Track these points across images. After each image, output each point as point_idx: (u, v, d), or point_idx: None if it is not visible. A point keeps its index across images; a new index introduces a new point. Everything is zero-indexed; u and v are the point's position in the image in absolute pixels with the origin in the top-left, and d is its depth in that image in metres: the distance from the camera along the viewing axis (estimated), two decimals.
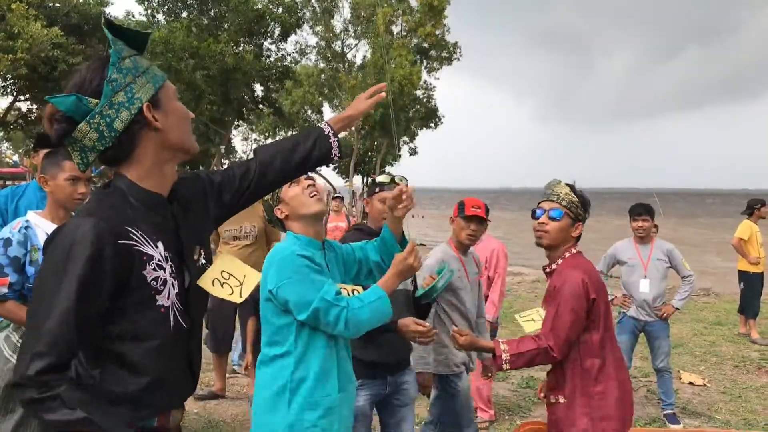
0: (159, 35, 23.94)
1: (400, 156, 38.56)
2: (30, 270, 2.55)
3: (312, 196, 2.29)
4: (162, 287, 1.41)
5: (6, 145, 60.03)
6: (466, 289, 3.56)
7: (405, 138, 35.54)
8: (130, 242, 1.35)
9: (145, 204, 1.44)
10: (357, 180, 38.70)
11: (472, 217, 3.51)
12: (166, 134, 1.44)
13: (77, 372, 1.37)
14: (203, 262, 1.61)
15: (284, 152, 1.73)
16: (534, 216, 2.66)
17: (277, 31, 26.25)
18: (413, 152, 36.81)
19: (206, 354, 5.94)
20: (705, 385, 5.87)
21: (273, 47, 27.42)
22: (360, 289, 2.34)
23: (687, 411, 5.20)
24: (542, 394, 2.78)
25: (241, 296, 1.69)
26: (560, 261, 2.62)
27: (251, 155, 1.80)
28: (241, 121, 31.59)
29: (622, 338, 5.00)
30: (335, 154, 1.79)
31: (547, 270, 2.68)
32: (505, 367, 2.44)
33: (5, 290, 2.50)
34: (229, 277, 1.66)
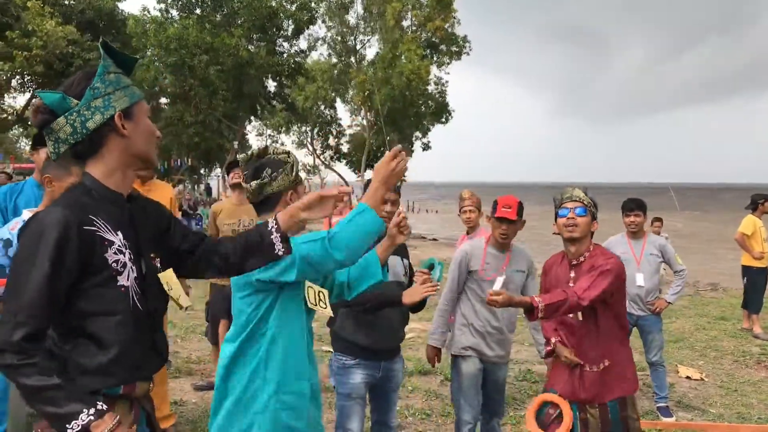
0: (173, 31, 24.15)
1: (413, 151, 38.58)
2: None
3: None
4: (122, 269, 1.61)
5: (25, 141, 60.94)
6: (493, 283, 3.46)
7: (417, 133, 35.53)
8: (93, 228, 1.56)
9: (106, 199, 1.65)
10: (369, 174, 38.79)
11: (502, 218, 3.54)
12: (132, 142, 1.67)
13: (50, 348, 1.56)
14: (158, 265, 1.85)
15: (234, 254, 1.83)
16: (558, 216, 3.00)
17: (290, 29, 26.37)
18: (426, 147, 36.79)
19: (206, 345, 6.09)
20: (702, 379, 5.91)
21: (286, 44, 27.56)
22: (326, 292, 2.34)
23: (681, 404, 5.25)
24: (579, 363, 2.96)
25: (180, 307, 1.97)
26: (587, 253, 2.99)
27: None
28: (254, 117, 31.77)
29: None
30: (279, 251, 1.83)
31: (574, 263, 3.00)
32: (540, 315, 2.74)
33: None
34: (170, 288, 1.85)
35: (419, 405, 5.02)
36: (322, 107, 37.96)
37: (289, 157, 2.33)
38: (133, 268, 1.65)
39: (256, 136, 47.37)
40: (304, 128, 40.10)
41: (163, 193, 4.15)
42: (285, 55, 26.87)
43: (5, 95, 22.68)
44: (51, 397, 1.45)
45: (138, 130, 1.67)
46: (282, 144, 46.76)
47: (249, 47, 24.91)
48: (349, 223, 1.99)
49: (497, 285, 3.27)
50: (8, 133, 32.66)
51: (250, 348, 2.17)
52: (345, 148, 40.32)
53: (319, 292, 2.33)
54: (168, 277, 1.84)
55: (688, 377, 5.94)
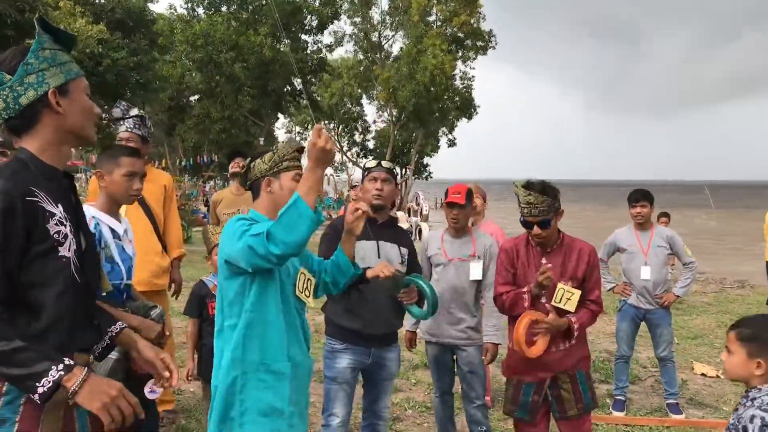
0: (200, 28, 24.49)
1: (438, 147, 38.42)
2: (106, 267, 2.63)
3: None
4: (63, 240, 1.62)
5: None
6: (446, 266, 3.67)
7: (443, 129, 35.33)
8: (35, 199, 1.56)
9: (43, 173, 1.64)
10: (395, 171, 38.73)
11: (451, 203, 3.67)
12: (67, 119, 1.66)
13: None
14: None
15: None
16: (526, 228, 3.06)
17: (314, 24, 26.47)
18: (452, 143, 36.57)
19: None
20: (718, 376, 5.71)
21: (309, 39, 27.67)
22: (313, 281, 2.44)
23: (694, 402, 5.08)
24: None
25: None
26: (558, 241, 3.11)
27: None
28: (280, 114, 32.01)
29: (622, 326, 4.94)
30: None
31: (549, 250, 3.09)
32: (576, 334, 2.99)
33: None
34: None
35: (420, 398, 4.96)
36: (348, 104, 38.04)
37: (276, 149, 2.41)
38: (74, 240, 1.66)
39: (285, 133, 47.79)
40: (331, 125, 40.26)
41: (158, 180, 4.16)
42: (308, 52, 26.98)
43: None
44: (18, 359, 1.46)
45: (73, 107, 1.67)
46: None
47: (274, 45, 25.06)
48: (283, 216, 1.98)
49: (473, 271, 3.56)
50: None
51: (231, 327, 2.24)
52: (371, 144, 40.37)
53: (307, 280, 2.41)
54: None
55: (703, 374, 5.76)
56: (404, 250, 3.25)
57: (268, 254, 2.00)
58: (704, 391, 5.35)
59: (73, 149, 1.82)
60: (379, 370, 3.17)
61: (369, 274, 2.75)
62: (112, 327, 1.90)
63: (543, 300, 3.02)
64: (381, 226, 3.21)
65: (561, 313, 2.99)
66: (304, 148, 2.38)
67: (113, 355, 2.67)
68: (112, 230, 2.74)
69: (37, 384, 1.46)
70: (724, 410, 4.92)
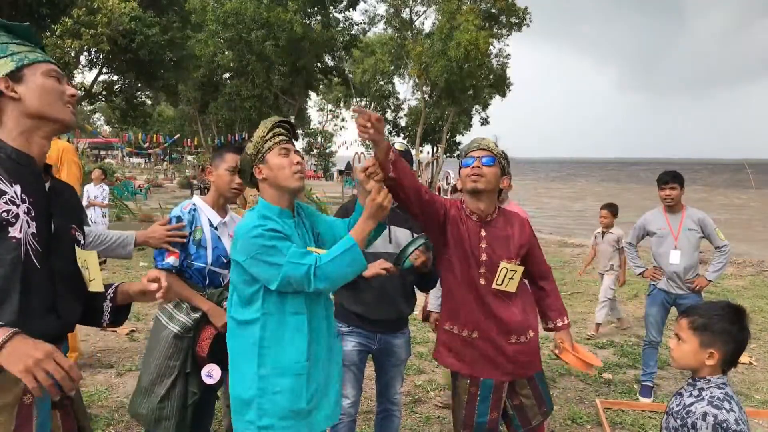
0: (230, 7, 24.49)
1: (471, 126, 37.97)
2: (192, 248, 2.82)
3: (296, 173, 2.28)
4: (14, 220, 1.57)
5: (97, 115, 63.73)
6: None
7: (477, 107, 34.85)
8: None
9: (10, 157, 1.65)
10: (427, 149, 38.45)
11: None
12: (26, 104, 1.67)
13: None
14: (80, 239, 1.83)
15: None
16: (462, 166, 2.73)
17: (345, 1, 26.24)
18: (484, 122, 36.08)
19: None
20: (751, 363, 5.57)
21: (341, 16, 27.43)
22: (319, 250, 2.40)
23: None
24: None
25: (88, 287, 1.85)
26: (495, 213, 2.74)
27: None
28: (311, 92, 31.96)
29: (651, 311, 4.82)
30: (101, 325, 1.93)
31: (487, 219, 2.71)
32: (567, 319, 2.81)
33: (176, 262, 2.79)
34: (86, 268, 1.83)
35: (443, 381, 4.94)
36: (381, 81, 37.76)
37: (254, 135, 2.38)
38: (31, 223, 1.61)
39: (318, 111, 47.83)
40: (363, 102, 40.07)
41: (55, 147, 4.33)
42: (339, 28, 26.79)
43: (74, 72, 23.61)
44: None
45: (30, 90, 1.67)
46: (342, 119, 46.99)
47: (305, 21, 24.95)
48: (337, 258, 2.08)
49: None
50: (78, 108, 34.07)
51: (247, 326, 2.21)
52: (403, 122, 40.10)
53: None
54: (86, 256, 1.82)
55: None
56: (416, 235, 3.19)
57: (309, 287, 2.09)
58: (735, 378, 5.21)
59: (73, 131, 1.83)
60: (388, 356, 3.13)
61: (367, 275, 2.73)
62: (108, 290, 1.89)
63: (482, 282, 2.63)
64: (394, 209, 3.15)
65: (544, 316, 2.82)
66: (279, 120, 2.35)
67: (174, 327, 2.79)
68: (209, 219, 2.89)
69: None
70: (755, 398, 4.80)
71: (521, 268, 2.68)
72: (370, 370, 3.50)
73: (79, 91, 2.08)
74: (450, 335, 2.75)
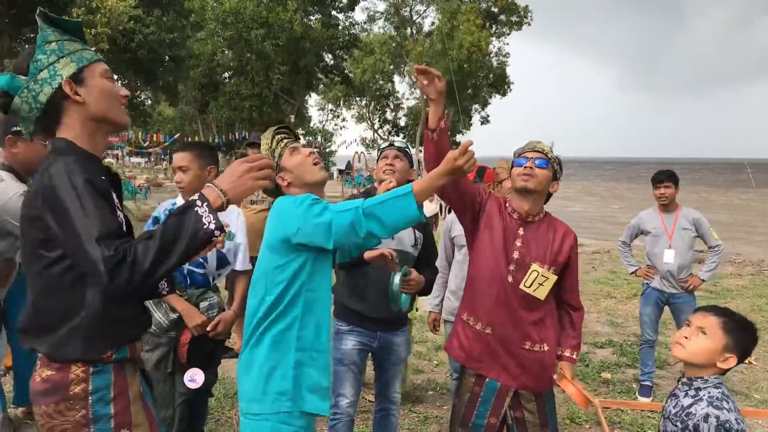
0: (230, 6, 24.49)
1: (470, 125, 37.97)
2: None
3: (316, 164, 2.28)
4: (121, 221, 1.68)
5: None
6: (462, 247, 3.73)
7: (476, 106, 34.87)
8: (104, 179, 1.65)
9: (85, 157, 1.65)
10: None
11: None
12: (88, 107, 1.66)
13: None
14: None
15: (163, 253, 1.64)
16: (514, 165, 2.67)
17: (345, 1, 26.24)
18: (485, 121, 36.08)
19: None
20: (750, 363, 5.55)
21: (341, 16, 27.42)
22: None
23: None
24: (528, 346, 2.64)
25: None
26: (541, 215, 2.68)
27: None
28: (311, 91, 31.95)
29: (645, 310, 4.84)
30: (214, 238, 1.61)
31: (528, 220, 2.65)
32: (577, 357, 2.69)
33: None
34: None
35: (442, 380, 4.94)
36: (380, 81, 37.76)
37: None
38: (124, 222, 1.71)
39: (318, 111, 47.80)
40: (363, 102, 40.09)
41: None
42: (340, 27, 26.78)
43: None
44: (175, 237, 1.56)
45: (93, 93, 1.66)
46: (343, 119, 46.96)
47: (304, 20, 24.94)
48: (389, 200, 1.95)
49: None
50: None
51: (286, 307, 2.13)
52: (402, 121, 40.10)
53: None
54: None
55: None
56: (418, 234, 3.17)
57: (361, 230, 1.95)
58: (735, 377, 5.20)
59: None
60: (387, 354, 3.13)
61: (367, 255, 2.67)
62: None
63: (510, 279, 2.55)
64: None
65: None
66: (277, 127, 2.37)
67: (164, 346, 2.83)
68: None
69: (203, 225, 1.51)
70: (755, 398, 4.79)
71: (554, 277, 2.58)
72: (368, 371, 3.49)
73: (128, 92, 2.11)
74: (464, 326, 2.69)
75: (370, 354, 3.16)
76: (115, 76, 23.49)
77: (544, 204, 2.72)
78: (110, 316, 1.65)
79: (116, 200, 1.68)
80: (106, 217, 1.50)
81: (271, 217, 2.19)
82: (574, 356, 2.68)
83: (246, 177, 1.59)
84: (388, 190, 2.29)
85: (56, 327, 1.62)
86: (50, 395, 1.62)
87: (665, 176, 4.67)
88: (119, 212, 1.69)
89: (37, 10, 1.66)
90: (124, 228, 1.70)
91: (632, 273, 4.96)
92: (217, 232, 1.51)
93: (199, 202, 1.52)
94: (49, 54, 1.61)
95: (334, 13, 26.61)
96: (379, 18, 31.98)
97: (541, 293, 2.58)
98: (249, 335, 2.18)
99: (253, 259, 2.54)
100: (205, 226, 1.50)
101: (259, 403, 2.12)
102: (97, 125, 1.69)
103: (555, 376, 2.60)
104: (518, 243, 2.61)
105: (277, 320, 2.14)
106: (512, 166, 2.70)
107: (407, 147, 3.18)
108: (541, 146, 2.66)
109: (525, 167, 2.60)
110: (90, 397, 1.63)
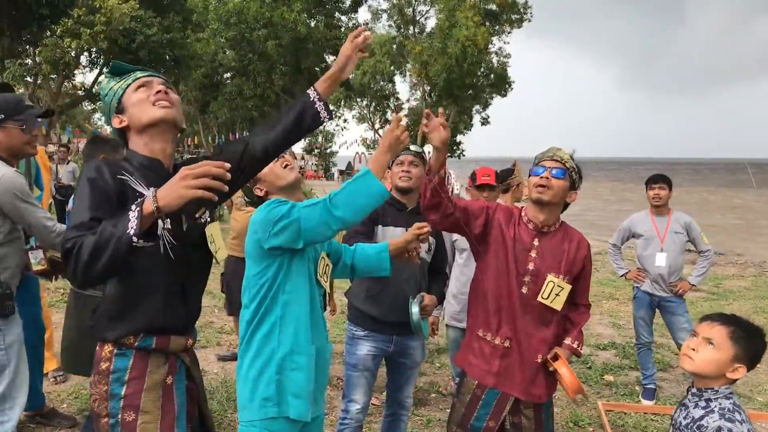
0: (233, 6, 24.50)
1: (471, 125, 37.96)
2: None
3: (285, 167, 2.35)
4: None
5: (98, 115, 63.67)
6: (463, 251, 3.96)
7: (477, 106, 34.85)
8: (124, 178, 1.81)
9: (141, 164, 1.89)
10: (428, 148, 38.44)
11: (483, 185, 3.88)
12: (132, 125, 1.92)
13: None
14: (207, 219, 2.05)
15: (275, 126, 2.02)
16: (531, 174, 2.64)
17: (348, 1, 26.24)
18: (485, 121, 36.06)
19: (225, 317, 6.16)
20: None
21: (344, 17, 27.42)
22: (331, 266, 2.45)
23: None
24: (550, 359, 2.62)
25: (216, 260, 2.09)
26: (557, 224, 2.65)
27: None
28: None
29: (639, 313, 4.88)
30: (324, 117, 2.04)
31: (543, 230, 2.62)
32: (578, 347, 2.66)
33: None
34: (212, 241, 2.05)
35: (444, 383, 4.93)
36: (380, 81, 37.75)
37: None
38: (167, 221, 1.81)
39: None
40: (364, 102, 40.09)
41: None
42: (343, 29, 26.78)
43: (75, 72, 23.58)
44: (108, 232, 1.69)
45: (132, 113, 1.91)
46: (344, 119, 46.96)
47: (308, 21, 24.95)
48: (350, 185, 2.03)
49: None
50: (79, 108, 34.07)
51: (265, 312, 2.20)
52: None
53: (326, 265, 2.42)
54: (213, 230, 2.04)
55: None
56: (432, 240, 3.16)
57: (332, 221, 2.02)
58: (738, 380, 5.19)
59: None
60: (403, 358, 3.12)
61: (391, 247, 2.59)
62: None
63: (524, 291, 2.55)
64: (411, 212, 3.11)
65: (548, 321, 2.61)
66: None
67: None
68: None
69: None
70: (758, 401, 4.79)
71: (569, 287, 2.56)
72: None
73: (163, 86, 2.14)
74: (481, 341, 2.64)
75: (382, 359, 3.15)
76: None
77: (561, 213, 2.68)
78: (128, 303, 1.83)
79: (143, 190, 1.80)
80: (83, 211, 1.66)
81: (248, 226, 2.26)
82: (575, 345, 2.66)
83: (180, 185, 1.58)
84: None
85: (97, 307, 1.90)
86: (93, 367, 1.87)
87: (659, 178, 4.75)
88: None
89: (110, 64, 2.00)
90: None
91: (622, 276, 4.98)
92: (135, 239, 1.55)
93: (133, 206, 1.58)
94: (105, 100, 1.99)
95: (337, 14, 26.61)
96: (382, 15, 31.93)
97: (558, 304, 2.56)
98: (240, 343, 2.26)
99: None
100: (127, 231, 1.55)
101: (248, 410, 2.18)
102: (145, 132, 1.91)
103: (549, 356, 2.56)
104: (533, 254, 2.58)
105: (260, 326, 2.20)
106: (530, 175, 2.67)
107: (422, 151, 3.15)
108: (560, 155, 2.60)
109: (541, 177, 2.56)
110: (110, 376, 1.83)
